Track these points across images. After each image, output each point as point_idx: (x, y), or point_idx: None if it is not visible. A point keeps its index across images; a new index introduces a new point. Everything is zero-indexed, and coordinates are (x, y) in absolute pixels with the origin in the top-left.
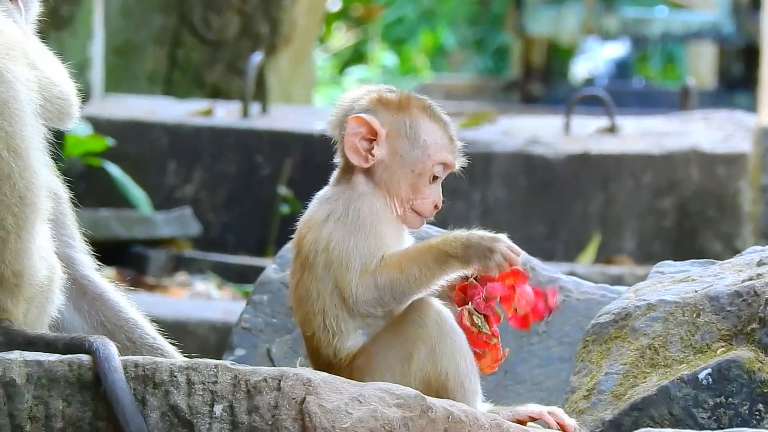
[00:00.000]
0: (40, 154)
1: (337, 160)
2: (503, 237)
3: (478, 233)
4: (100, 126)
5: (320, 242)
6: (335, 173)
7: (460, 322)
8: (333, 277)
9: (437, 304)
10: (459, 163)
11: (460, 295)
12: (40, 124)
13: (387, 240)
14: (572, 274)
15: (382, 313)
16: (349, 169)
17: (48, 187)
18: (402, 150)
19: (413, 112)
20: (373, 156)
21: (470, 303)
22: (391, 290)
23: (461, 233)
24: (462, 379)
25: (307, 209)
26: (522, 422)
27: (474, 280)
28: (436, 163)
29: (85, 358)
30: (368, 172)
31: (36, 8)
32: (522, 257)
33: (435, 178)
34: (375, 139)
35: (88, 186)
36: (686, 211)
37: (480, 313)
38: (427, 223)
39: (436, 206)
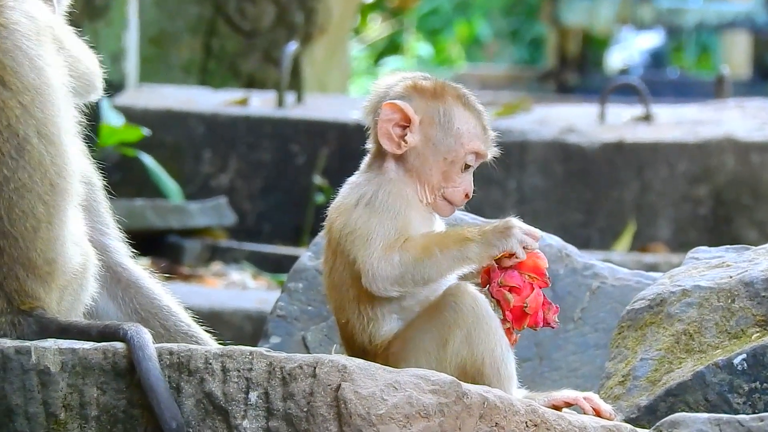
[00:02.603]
0: (72, 139)
1: (369, 145)
2: (516, 221)
3: (498, 224)
4: (135, 116)
5: (348, 226)
6: (366, 159)
7: None
8: (353, 254)
9: (472, 289)
10: (491, 152)
11: (484, 277)
12: (73, 109)
13: (414, 224)
14: (607, 261)
15: (397, 294)
16: (380, 156)
17: (81, 174)
18: (435, 138)
19: (448, 100)
20: (406, 143)
21: (488, 287)
22: (412, 270)
23: (477, 225)
24: (498, 364)
25: (338, 195)
26: (557, 408)
27: (497, 265)
28: (468, 151)
29: (119, 345)
30: (400, 159)
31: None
32: (547, 265)
33: (467, 166)
34: (408, 126)
35: (122, 176)
36: (721, 199)
37: (493, 297)
38: (460, 210)
39: (467, 195)
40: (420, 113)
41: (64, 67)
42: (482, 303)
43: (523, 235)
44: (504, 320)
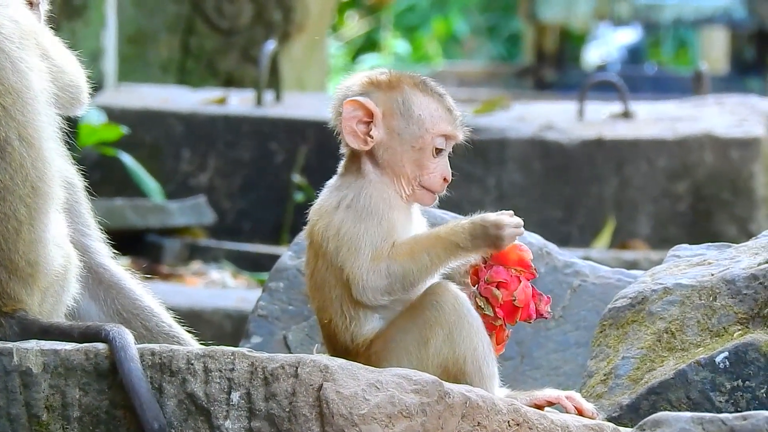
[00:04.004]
0: (53, 143)
1: (343, 149)
2: (506, 218)
3: (483, 221)
4: (114, 115)
5: (331, 229)
6: (342, 162)
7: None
8: (341, 263)
9: (454, 288)
10: (461, 132)
11: (473, 278)
12: (54, 113)
13: (398, 227)
14: (587, 258)
15: (387, 302)
16: (356, 158)
17: (62, 176)
18: (398, 128)
19: (404, 88)
20: (372, 137)
21: (476, 285)
22: (402, 278)
23: (467, 222)
24: (479, 363)
25: (318, 199)
26: (539, 407)
27: (484, 262)
28: (435, 135)
29: (101, 346)
30: (373, 158)
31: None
32: (532, 256)
33: (438, 151)
34: (372, 121)
35: (102, 175)
36: (700, 195)
37: (482, 296)
38: (440, 201)
39: (445, 179)
40: (380, 106)
41: (47, 73)
42: (464, 302)
43: (513, 229)
44: (495, 317)
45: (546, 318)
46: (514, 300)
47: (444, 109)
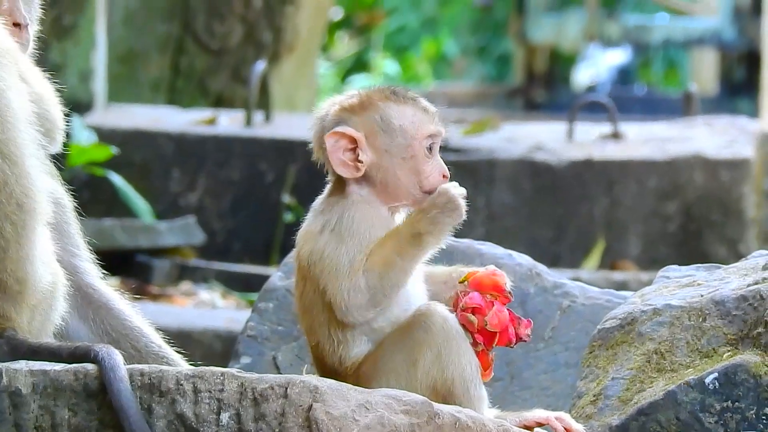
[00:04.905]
0: (36, 160)
1: (330, 178)
2: (450, 188)
3: (435, 202)
4: (104, 135)
5: (315, 254)
6: (328, 186)
7: None
8: (323, 286)
9: (443, 309)
10: (444, 127)
11: (454, 305)
12: (34, 130)
13: None
14: (577, 279)
15: (373, 315)
16: (341, 181)
17: (47, 192)
18: (385, 144)
19: (378, 105)
20: (362, 162)
21: (456, 313)
22: (381, 288)
23: (420, 211)
24: (468, 384)
25: (304, 222)
26: (529, 428)
27: (462, 289)
28: (421, 139)
29: (90, 367)
30: (361, 179)
31: (37, 15)
32: (509, 283)
33: (429, 150)
34: (357, 146)
35: (92, 195)
36: (690, 216)
37: (460, 323)
38: None
39: (444, 176)
40: (361, 130)
41: (26, 93)
42: (452, 323)
43: (457, 189)
44: (475, 342)
45: (526, 341)
46: (486, 325)
47: (421, 111)
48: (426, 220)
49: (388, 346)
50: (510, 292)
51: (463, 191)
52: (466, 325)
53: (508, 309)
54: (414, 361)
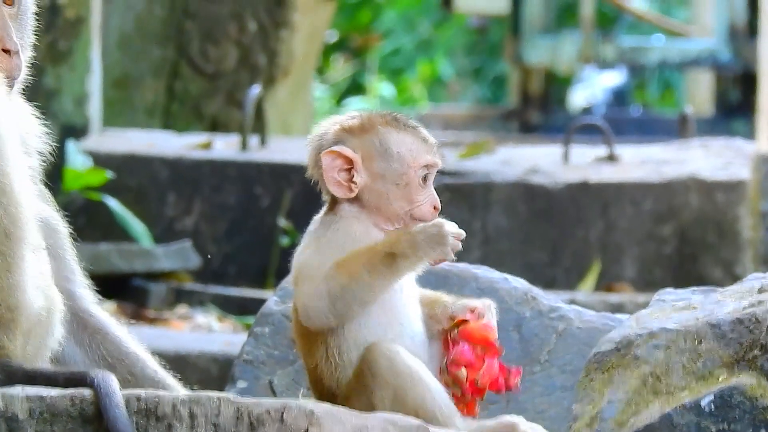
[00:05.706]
0: (24, 186)
1: (324, 198)
2: (445, 224)
3: (425, 228)
4: (100, 159)
5: (296, 269)
6: (323, 209)
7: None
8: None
9: (384, 345)
10: (441, 159)
11: (443, 349)
12: (25, 156)
13: None
14: (573, 301)
15: (336, 323)
16: (334, 202)
17: (36, 217)
18: (380, 169)
19: (378, 129)
20: (356, 183)
21: (444, 360)
22: (342, 298)
23: (406, 232)
24: (434, 410)
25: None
26: None
27: (450, 336)
28: (417, 168)
29: (87, 392)
30: (353, 200)
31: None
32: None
33: (424, 180)
34: (352, 168)
35: (87, 220)
36: (686, 238)
37: (448, 374)
38: None
39: (435, 208)
40: (358, 151)
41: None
42: (396, 357)
43: (454, 240)
44: (464, 395)
45: (514, 392)
46: (477, 383)
47: (420, 140)
48: (407, 242)
49: (349, 392)
50: (500, 345)
51: (461, 233)
52: (455, 379)
53: (498, 360)
54: (374, 406)
